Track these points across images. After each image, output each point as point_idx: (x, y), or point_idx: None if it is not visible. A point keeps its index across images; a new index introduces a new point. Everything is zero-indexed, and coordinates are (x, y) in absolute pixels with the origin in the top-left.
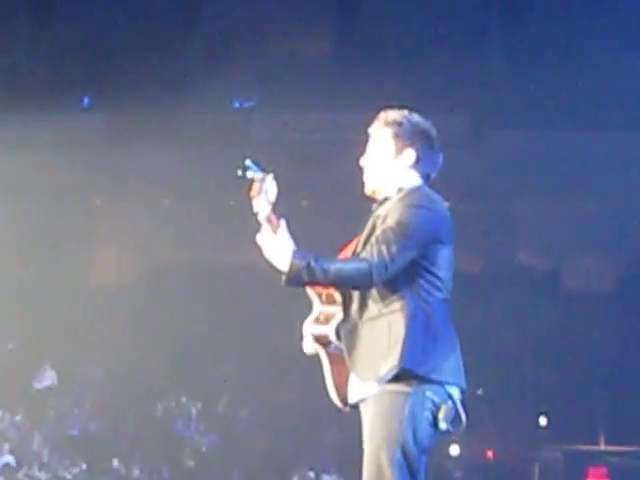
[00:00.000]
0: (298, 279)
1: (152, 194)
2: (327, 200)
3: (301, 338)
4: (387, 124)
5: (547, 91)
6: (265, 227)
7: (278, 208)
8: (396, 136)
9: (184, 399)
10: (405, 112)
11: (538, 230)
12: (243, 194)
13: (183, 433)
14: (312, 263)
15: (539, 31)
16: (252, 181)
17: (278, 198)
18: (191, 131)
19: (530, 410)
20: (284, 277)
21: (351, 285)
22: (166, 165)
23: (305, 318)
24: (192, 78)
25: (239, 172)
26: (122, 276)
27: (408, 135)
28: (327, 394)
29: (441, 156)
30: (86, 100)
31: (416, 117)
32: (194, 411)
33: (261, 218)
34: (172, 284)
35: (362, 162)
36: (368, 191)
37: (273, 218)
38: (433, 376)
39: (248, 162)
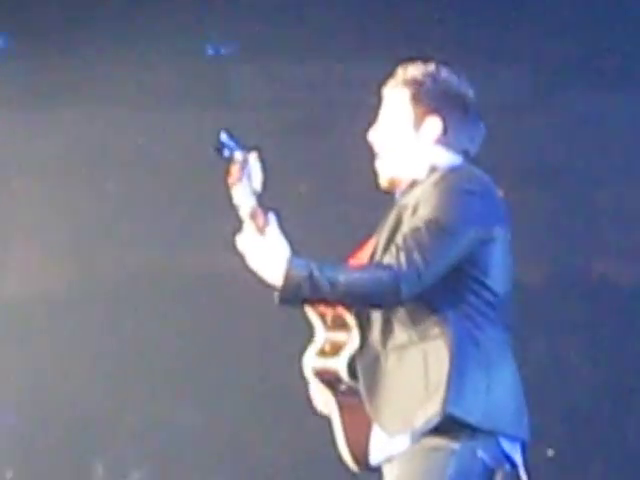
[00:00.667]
0: (296, 295)
1: (89, 173)
2: (333, 184)
3: (300, 375)
4: (404, 83)
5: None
6: (249, 225)
7: (266, 198)
8: (415, 99)
9: (131, 457)
10: (431, 67)
11: (626, 228)
12: (220, 177)
13: None
14: (315, 273)
15: None
16: (230, 163)
17: (266, 184)
18: (147, 87)
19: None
20: (278, 293)
21: (370, 303)
22: (111, 133)
23: (304, 345)
24: (148, 14)
25: (212, 150)
26: (44, 282)
27: (431, 97)
28: (337, 453)
29: (481, 126)
30: None
31: (445, 73)
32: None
33: (243, 213)
34: (117, 293)
35: (371, 136)
36: (383, 182)
37: (259, 213)
38: (487, 426)
39: (224, 137)
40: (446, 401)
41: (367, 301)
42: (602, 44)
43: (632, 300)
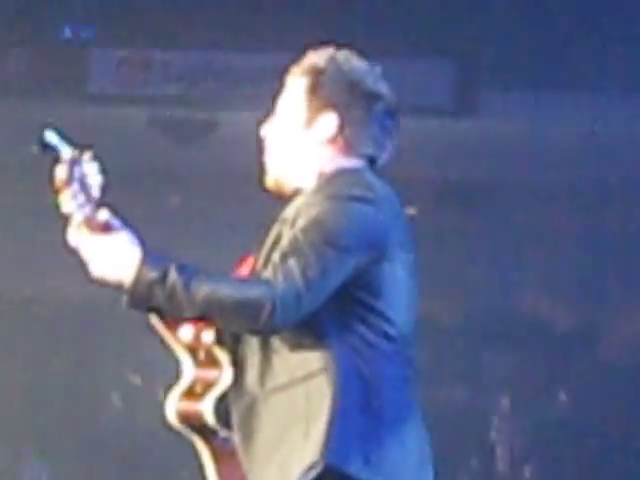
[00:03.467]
0: (148, 299)
1: None
2: (211, 195)
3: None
4: (304, 71)
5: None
6: (85, 233)
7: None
8: (312, 90)
9: None
10: (340, 54)
11: (561, 258)
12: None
13: None
14: (172, 275)
15: None
16: (56, 163)
17: (110, 191)
18: None
19: None
20: (126, 295)
21: (237, 325)
22: None
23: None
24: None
25: (34, 149)
26: None
27: (330, 89)
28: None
29: (392, 129)
30: None
31: (354, 63)
32: None
33: (77, 223)
34: None
35: (262, 130)
36: (269, 182)
37: (99, 222)
38: (375, 479)
39: (49, 134)
40: (326, 449)
41: (234, 318)
42: (529, 44)
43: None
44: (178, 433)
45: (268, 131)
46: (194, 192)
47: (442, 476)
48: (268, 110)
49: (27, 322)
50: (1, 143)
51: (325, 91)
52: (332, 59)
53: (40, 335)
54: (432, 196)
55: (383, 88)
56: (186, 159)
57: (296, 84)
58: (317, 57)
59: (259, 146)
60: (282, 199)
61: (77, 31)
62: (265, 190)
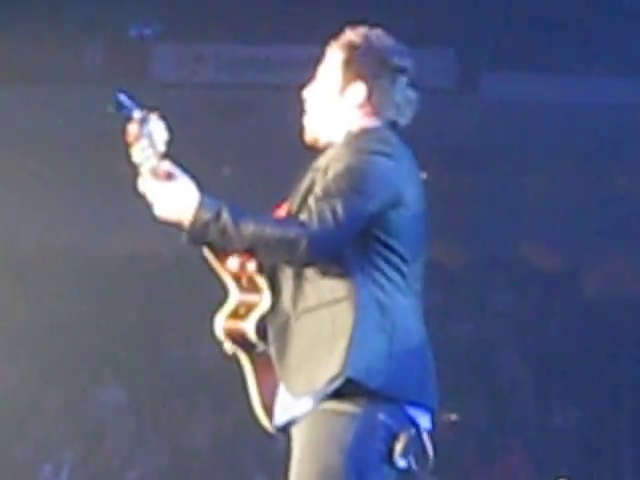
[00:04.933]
0: (204, 235)
1: (10, 151)
2: (258, 167)
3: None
4: (342, 46)
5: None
6: (152, 180)
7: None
8: (346, 63)
9: (54, 434)
10: (373, 32)
11: (551, 212)
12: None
13: None
14: (224, 215)
15: None
16: (128, 122)
17: (189, 168)
18: (64, 69)
19: (543, 463)
20: (185, 232)
21: (277, 258)
22: (32, 111)
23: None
24: None
25: (109, 109)
26: None
27: (362, 63)
28: (253, 414)
29: (413, 97)
30: None
31: (384, 40)
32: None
33: (144, 171)
34: (37, 275)
35: (305, 93)
36: (308, 138)
37: (162, 173)
38: (389, 391)
39: (122, 96)
40: (346, 365)
41: (274, 254)
42: (529, 27)
43: (554, 285)
44: (233, 367)
45: (309, 94)
46: (242, 163)
47: (452, 398)
48: (310, 77)
49: (128, 276)
50: (80, 122)
51: (357, 64)
52: (366, 37)
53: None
54: (439, 162)
55: (408, 64)
56: (235, 136)
57: (334, 56)
58: (353, 34)
59: (296, 120)
60: (317, 152)
61: (141, 28)
62: (305, 144)
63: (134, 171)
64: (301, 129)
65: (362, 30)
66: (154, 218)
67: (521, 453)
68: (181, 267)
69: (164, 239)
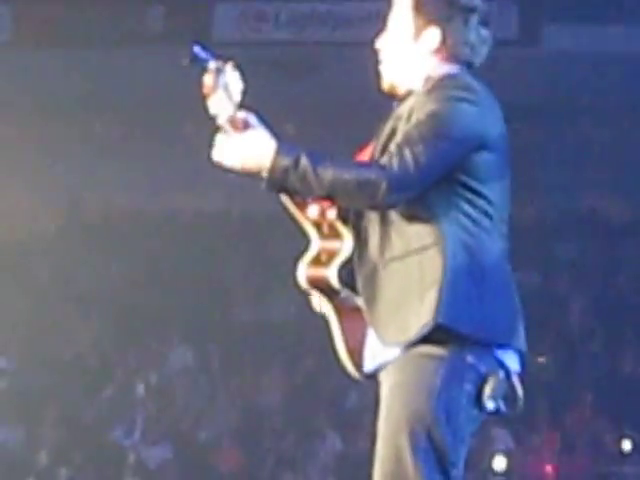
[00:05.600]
0: (283, 181)
1: (74, 115)
2: (324, 124)
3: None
4: None
5: None
6: (229, 131)
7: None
8: (416, 9)
9: (125, 395)
10: None
11: (618, 164)
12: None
13: (123, 442)
14: (303, 160)
15: None
16: (204, 73)
17: (248, 111)
18: (130, 29)
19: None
20: (265, 178)
21: (357, 202)
22: (96, 76)
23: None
24: None
25: (184, 62)
26: (33, 227)
27: (432, 7)
28: (338, 360)
29: (486, 34)
30: None
31: None
32: (139, 414)
33: (221, 121)
34: (105, 237)
35: (377, 43)
36: (385, 85)
37: (238, 120)
38: (479, 335)
39: (197, 49)
40: (437, 311)
41: (355, 200)
42: None
43: (620, 235)
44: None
45: (382, 44)
46: (305, 120)
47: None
48: (380, 28)
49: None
50: (144, 84)
51: (427, 8)
52: None
53: (194, 245)
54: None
55: (477, 2)
56: (297, 93)
57: (402, 4)
58: None
59: (359, 77)
60: (395, 99)
61: None
62: (382, 92)
63: (198, 131)
64: (368, 83)
65: None
66: (227, 172)
67: (591, 404)
68: (248, 227)
69: (231, 199)
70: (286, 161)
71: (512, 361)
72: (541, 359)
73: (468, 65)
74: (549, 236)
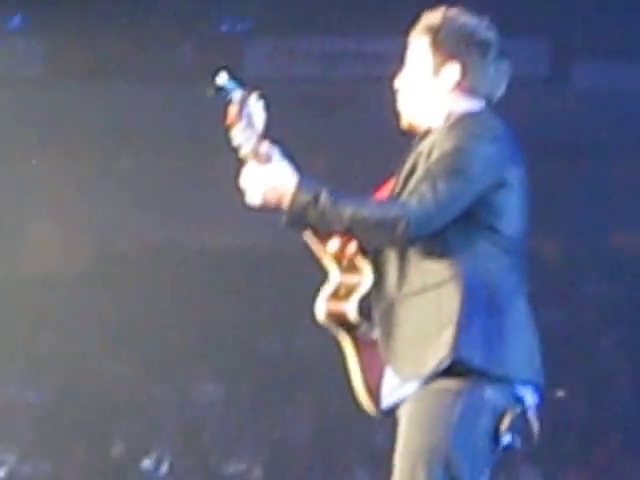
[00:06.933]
0: (303, 217)
1: (106, 150)
2: (352, 159)
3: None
4: (424, 30)
5: None
6: (251, 163)
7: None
8: (434, 45)
9: (153, 429)
10: (450, 12)
11: None
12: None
13: (151, 477)
14: (323, 197)
15: None
16: (228, 104)
17: (279, 147)
18: (161, 64)
19: None
20: (285, 214)
21: (377, 238)
22: (127, 110)
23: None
24: None
25: (209, 92)
26: (65, 261)
27: (449, 43)
28: (354, 396)
29: (505, 66)
30: (17, 20)
31: (464, 18)
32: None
33: (244, 154)
34: (135, 272)
35: (396, 83)
36: (404, 123)
37: (262, 152)
38: (496, 370)
39: (223, 77)
40: (455, 346)
41: (374, 236)
42: (622, 14)
43: None
44: (333, 358)
45: (401, 83)
46: (336, 155)
47: (546, 376)
48: (397, 68)
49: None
50: (174, 120)
51: (445, 45)
52: (445, 17)
53: (218, 281)
54: (535, 152)
55: (492, 36)
56: (327, 129)
57: (419, 43)
58: (432, 17)
59: (390, 112)
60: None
61: (233, 24)
62: (401, 131)
63: (229, 165)
64: (395, 118)
65: (440, 11)
66: (251, 208)
67: (618, 443)
68: (277, 261)
69: (260, 232)
70: (306, 197)
71: (530, 395)
72: (560, 393)
73: (488, 99)
74: (578, 274)
